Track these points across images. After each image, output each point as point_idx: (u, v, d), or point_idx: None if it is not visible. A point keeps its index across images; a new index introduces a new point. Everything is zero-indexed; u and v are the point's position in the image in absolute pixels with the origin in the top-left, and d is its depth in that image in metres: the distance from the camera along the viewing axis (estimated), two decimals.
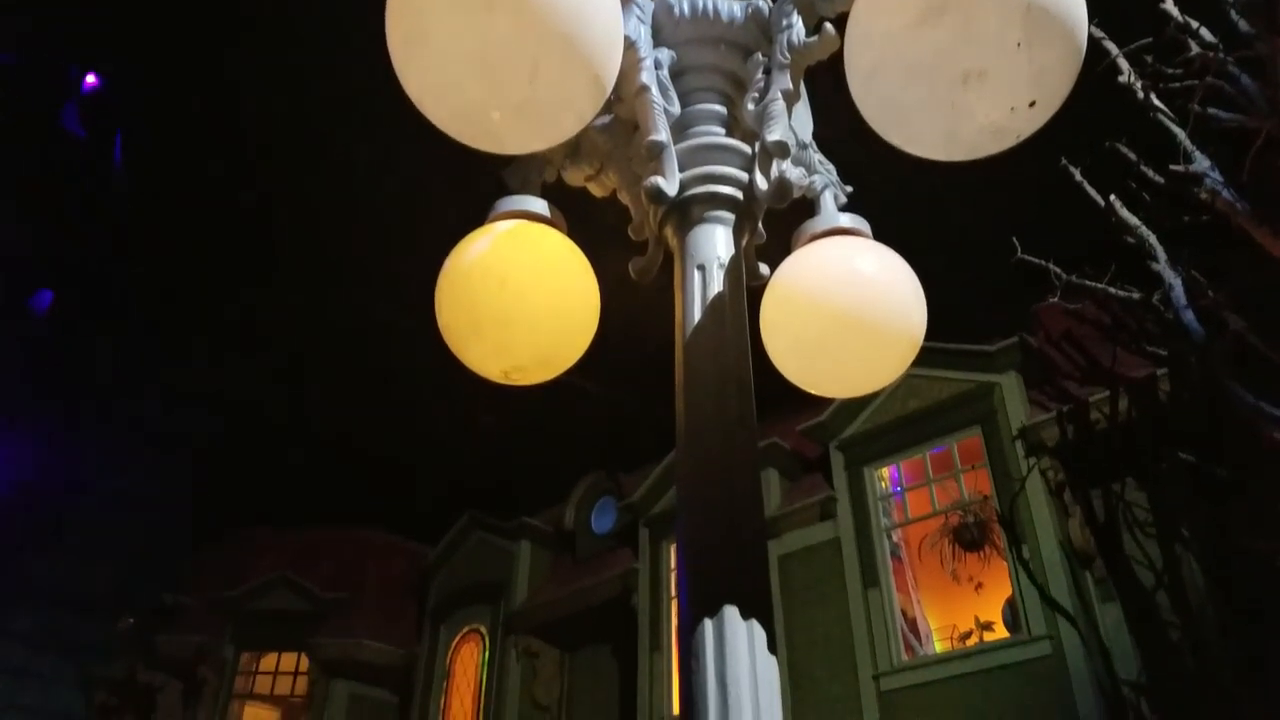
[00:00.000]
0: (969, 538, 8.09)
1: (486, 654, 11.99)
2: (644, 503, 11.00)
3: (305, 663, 12.86)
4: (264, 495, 17.03)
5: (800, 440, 9.96)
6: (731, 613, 1.66)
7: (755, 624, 1.67)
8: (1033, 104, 1.57)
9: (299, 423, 17.60)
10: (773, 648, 1.68)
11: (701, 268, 2.03)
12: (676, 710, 9.10)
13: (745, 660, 1.62)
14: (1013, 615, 7.95)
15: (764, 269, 2.16)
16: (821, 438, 9.62)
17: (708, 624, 1.66)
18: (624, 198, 2.26)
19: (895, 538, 9.01)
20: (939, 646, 8.62)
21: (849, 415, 9.40)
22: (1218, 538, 6.25)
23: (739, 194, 2.06)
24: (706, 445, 1.83)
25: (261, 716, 13.53)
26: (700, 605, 1.68)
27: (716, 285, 2.01)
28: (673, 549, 10.32)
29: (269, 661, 13.20)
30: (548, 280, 2.05)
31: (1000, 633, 8.19)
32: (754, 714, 1.57)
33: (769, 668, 1.64)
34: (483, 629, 12.23)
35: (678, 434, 1.90)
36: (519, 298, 2.01)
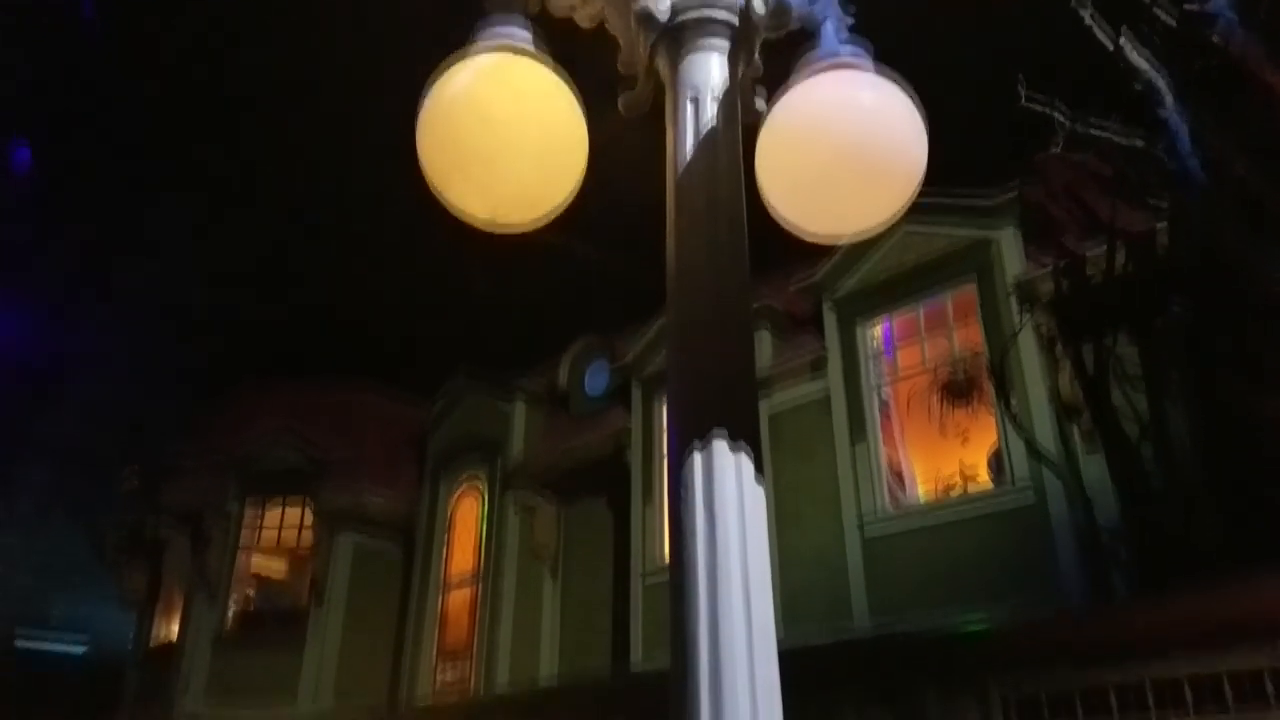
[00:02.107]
0: (958, 391, 8.18)
1: (485, 507, 12.31)
2: (637, 364, 11.08)
3: (309, 515, 13.20)
4: (261, 353, 17.16)
5: (793, 300, 9.94)
6: (720, 445, 1.67)
7: (743, 456, 1.68)
8: None
9: (295, 283, 17.53)
10: (759, 478, 1.70)
11: (694, 99, 1.95)
12: (668, 558, 9.33)
13: (733, 488, 1.64)
14: (997, 465, 8.13)
15: (760, 103, 2.07)
16: (815, 296, 9.58)
17: (697, 454, 1.67)
18: (612, 28, 2.15)
19: (884, 393, 9.10)
20: (923, 496, 8.84)
21: (843, 272, 9.34)
22: (1206, 391, 6.33)
23: (734, 18, 1.96)
24: (698, 278, 1.80)
25: (268, 566, 13.99)
26: (689, 434, 1.68)
27: (710, 117, 1.94)
28: (665, 409, 10.42)
29: (274, 514, 13.53)
30: (533, 114, 1.96)
31: (984, 482, 8.39)
32: (740, 538, 1.60)
33: (755, 495, 1.66)
34: (481, 484, 12.52)
35: (668, 270, 1.86)
36: (503, 133, 1.93)
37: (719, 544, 1.59)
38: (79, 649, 22.59)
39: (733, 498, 1.64)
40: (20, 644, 22.21)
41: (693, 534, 1.61)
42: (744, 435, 1.71)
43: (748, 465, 1.69)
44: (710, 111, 1.94)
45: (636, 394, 11.05)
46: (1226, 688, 4.80)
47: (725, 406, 1.72)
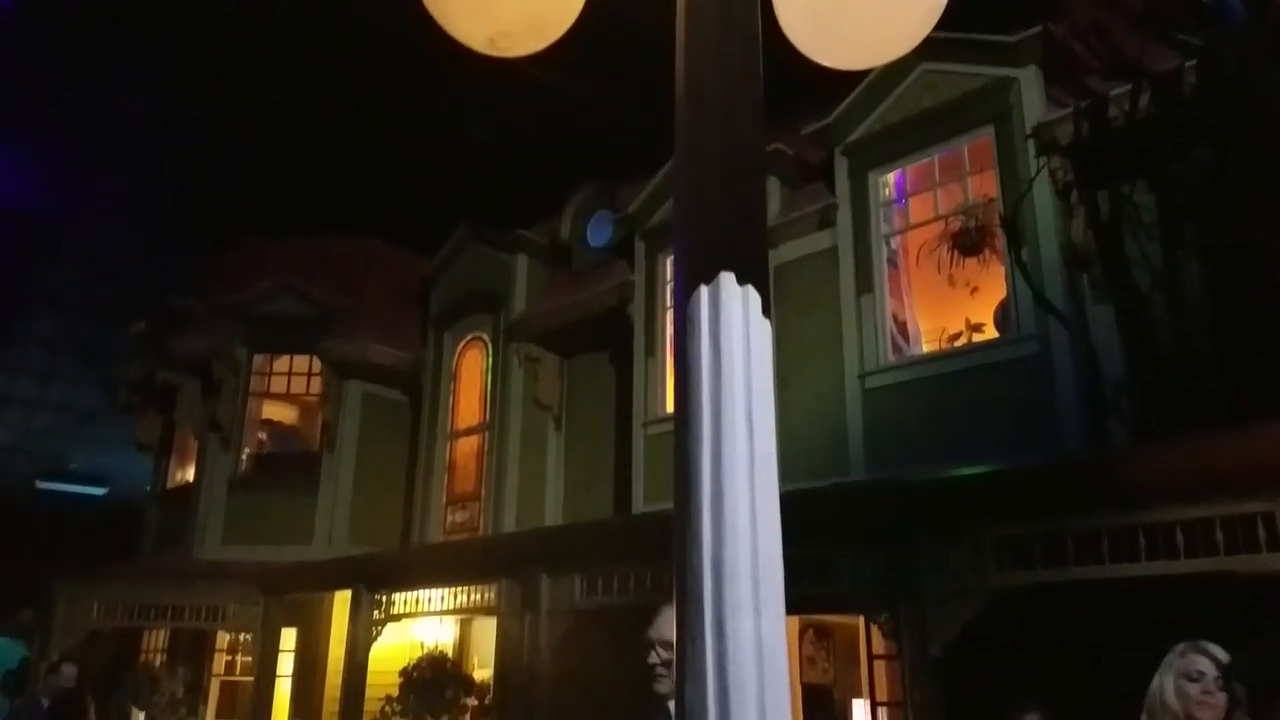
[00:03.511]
0: (969, 242, 8.04)
1: (489, 359, 12.41)
2: (640, 214, 10.90)
3: (317, 365, 13.33)
4: (262, 206, 16.93)
5: (803, 147, 9.67)
6: (727, 277, 1.61)
7: (750, 289, 1.62)
8: None
9: (292, 132, 17.10)
10: (766, 311, 1.65)
11: None
12: (669, 408, 9.43)
13: (739, 320, 1.59)
14: (1004, 317, 8.08)
15: None
16: (827, 142, 9.31)
17: (703, 287, 1.61)
18: None
19: (894, 244, 8.96)
20: (927, 348, 8.83)
21: (858, 116, 9.03)
22: (1223, 240, 6.21)
23: None
24: (708, 102, 1.70)
25: (279, 413, 14.25)
26: (696, 265, 1.62)
27: None
28: (669, 262, 10.36)
29: (282, 363, 13.67)
30: None
31: (990, 334, 8.37)
32: (745, 370, 1.56)
33: (761, 329, 1.62)
34: (485, 336, 12.58)
35: (677, 93, 1.76)
36: None
37: (724, 375, 1.56)
38: (99, 492, 23.35)
39: (739, 330, 1.59)
40: (42, 486, 22.94)
41: (698, 366, 1.57)
42: (751, 268, 1.65)
43: (755, 298, 1.63)
44: None
45: (640, 247, 10.93)
46: (1219, 533, 4.89)
47: (733, 237, 1.65)
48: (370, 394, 13.43)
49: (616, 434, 11.01)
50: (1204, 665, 3.35)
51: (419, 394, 13.20)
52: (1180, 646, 3.46)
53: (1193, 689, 3.32)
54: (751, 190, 1.74)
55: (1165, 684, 3.40)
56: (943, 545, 5.80)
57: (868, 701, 7.84)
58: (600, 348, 11.64)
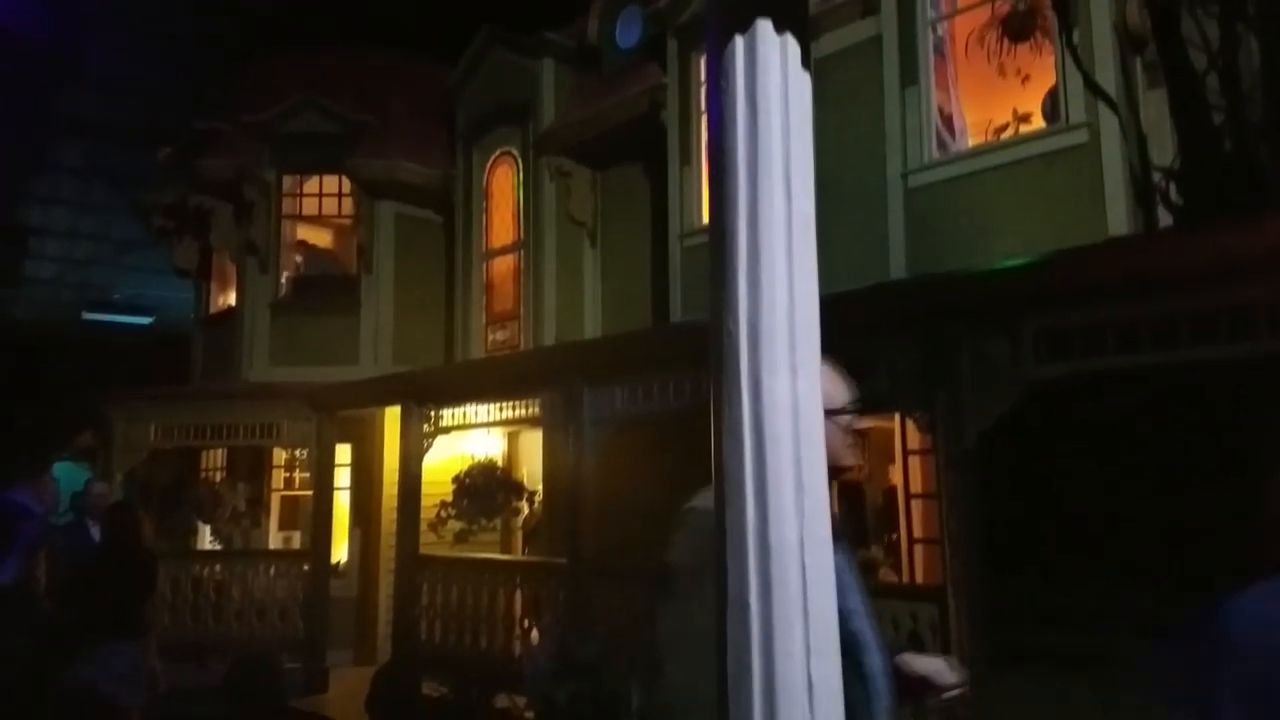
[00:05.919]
0: (1019, 25, 7.56)
1: (520, 175, 12.22)
2: (672, 9, 10.36)
3: (347, 185, 13.18)
4: (278, 19, 16.38)
5: None
6: (764, 27, 1.51)
7: (789, 39, 1.53)
8: None
9: None
10: (807, 64, 1.56)
11: None
12: (705, 219, 9.27)
13: (777, 76, 1.51)
14: (1052, 106, 7.72)
15: None
16: None
17: (738, 39, 1.52)
18: None
19: (941, 31, 8.46)
20: (973, 142, 8.50)
21: None
22: None
23: None
24: None
25: (314, 236, 14.25)
26: (731, 16, 1.53)
27: None
28: (702, 61, 9.93)
29: (312, 185, 13.52)
30: None
31: (1038, 124, 8.02)
32: (783, 130, 1.49)
33: (801, 84, 1.53)
34: (514, 151, 12.33)
35: None
36: None
37: (760, 132, 1.49)
38: (145, 321, 23.88)
39: (776, 83, 1.51)
40: (88, 317, 23.49)
41: (733, 123, 1.51)
42: (791, 14, 1.54)
43: (794, 48, 1.54)
44: None
45: (672, 46, 10.45)
46: (1261, 316, 4.79)
47: None
48: (403, 214, 13.34)
49: (652, 247, 10.93)
50: None
51: (452, 213, 13.09)
52: None
53: None
54: None
55: None
56: (980, 337, 5.76)
57: (902, 493, 8.07)
58: (633, 159, 11.37)
